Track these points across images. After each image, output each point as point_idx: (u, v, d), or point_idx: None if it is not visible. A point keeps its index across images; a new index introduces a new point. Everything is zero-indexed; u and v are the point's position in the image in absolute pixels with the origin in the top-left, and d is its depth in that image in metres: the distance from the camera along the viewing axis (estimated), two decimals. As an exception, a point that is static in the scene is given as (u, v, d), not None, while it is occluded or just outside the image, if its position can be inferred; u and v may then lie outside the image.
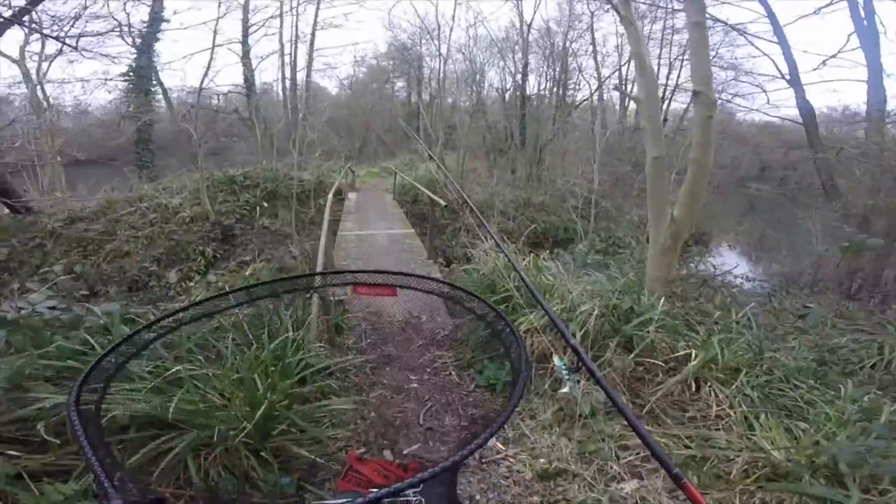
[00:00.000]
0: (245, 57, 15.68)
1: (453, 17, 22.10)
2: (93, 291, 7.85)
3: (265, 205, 9.15)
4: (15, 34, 11.32)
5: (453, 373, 2.92)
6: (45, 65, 12.15)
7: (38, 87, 11.50)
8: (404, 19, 30.82)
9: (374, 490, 0.47)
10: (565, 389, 1.47)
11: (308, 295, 2.76)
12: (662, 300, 3.36)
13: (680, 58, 17.17)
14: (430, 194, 6.77)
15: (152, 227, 8.45)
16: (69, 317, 1.94)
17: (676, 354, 2.81)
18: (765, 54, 11.58)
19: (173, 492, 1.34)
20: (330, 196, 6.61)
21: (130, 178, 11.80)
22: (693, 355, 2.77)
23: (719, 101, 13.64)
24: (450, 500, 0.83)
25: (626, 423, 1.04)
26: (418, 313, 3.64)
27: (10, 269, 7.59)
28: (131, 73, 13.02)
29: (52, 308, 1.95)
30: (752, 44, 12.08)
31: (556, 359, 1.40)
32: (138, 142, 12.98)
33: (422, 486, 0.63)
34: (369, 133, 22.72)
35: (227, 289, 1.58)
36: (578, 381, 1.58)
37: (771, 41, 11.02)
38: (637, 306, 3.13)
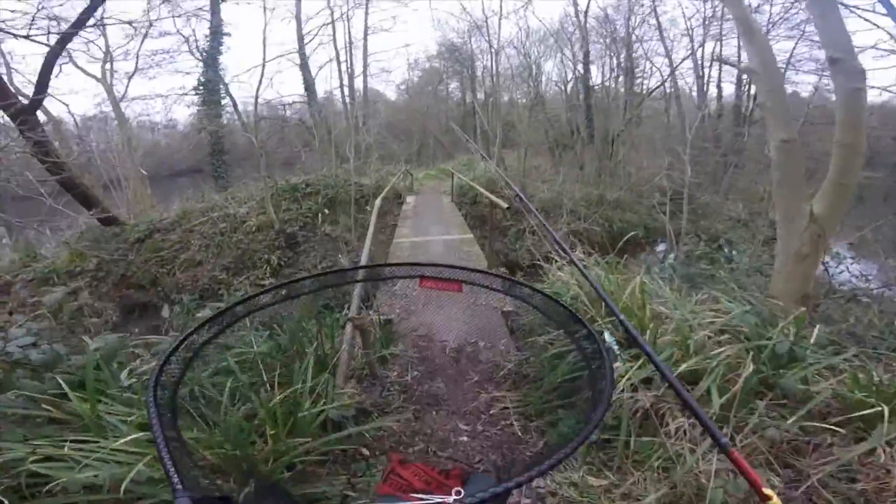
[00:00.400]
0: (303, 65, 16.02)
1: (500, 8, 21.41)
2: (169, 299, 8.16)
3: (326, 212, 9.06)
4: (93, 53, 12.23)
5: (515, 423, 2.29)
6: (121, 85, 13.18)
7: (119, 103, 12.36)
8: (451, 16, 30.22)
9: (416, 497, 0.45)
10: (618, 364, 1.33)
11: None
12: (816, 329, 2.48)
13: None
14: (490, 195, 6.18)
15: (222, 236, 8.63)
16: (40, 358, 1.67)
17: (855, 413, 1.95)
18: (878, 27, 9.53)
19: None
20: (377, 202, 6.25)
21: (203, 188, 12.41)
22: (886, 414, 1.90)
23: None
24: None
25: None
26: (476, 338, 3.04)
27: (98, 277, 8.07)
28: (201, 87, 13.73)
29: (33, 345, 1.71)
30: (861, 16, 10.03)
31: (606, 335, 1.29)
32: (213, 153, 13.66)
33: (462, 492, 0.67)
34: (427, 135, 22.58)
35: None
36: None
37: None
38: (797, 347, 2.29)
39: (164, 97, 13.44)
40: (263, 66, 10.50)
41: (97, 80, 13.18)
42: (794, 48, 12.74)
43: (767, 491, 0.66)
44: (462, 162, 19.89)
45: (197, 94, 13.97)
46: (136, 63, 13.74)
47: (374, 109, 25.17)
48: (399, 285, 1.45)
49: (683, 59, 17.13)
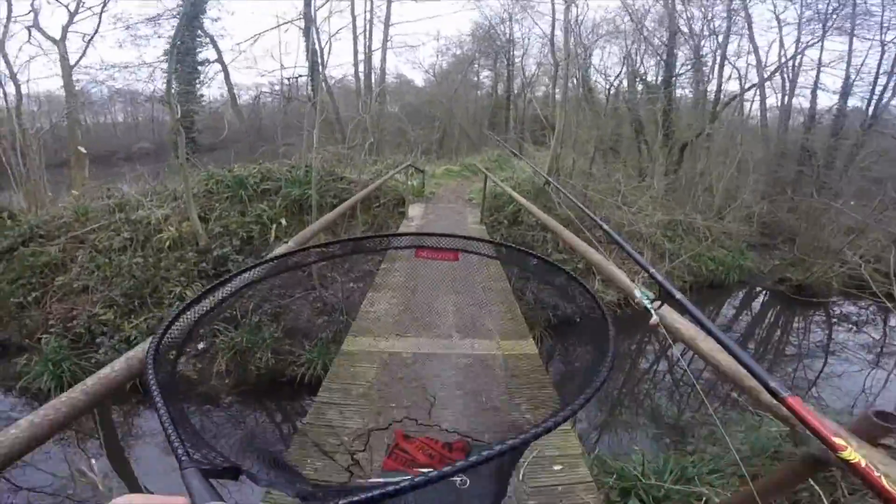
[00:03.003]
0: (307, 30, 12.98)
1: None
2: (20, 347, 5.31)
3: (283, 222, 5.95)
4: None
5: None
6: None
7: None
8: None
9: (423, 471, 0.38)
10: (654, 320, 1.16)
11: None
12: None
13: None
14: (574, 240, 2.88)
15: (122, 252, 5.68)
16: None
17: None
18: None
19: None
20: (328, 216, 3.24)
21: (163, 174, 9.55)
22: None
23: None
24: (498, 484, 0.72)
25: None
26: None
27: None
28: (177, 50, 10.86)
29: None
30: None
31: (636, 291, 1.19)
32: (178, 131, 10.76)
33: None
34: (451, 124, 19.24)
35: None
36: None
37: None
38: None
39: (123, 68, 10.59)
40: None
41: (54, 41, 10.52)
42: None
43: (838, 440, 0.56)
44: (491, 157, 16.55)
45: (167, 60, 11.08)
46: (98, 25, 11.06)
47: (398, 92, 22.17)
48: None
49: (792, 57, 13.09)
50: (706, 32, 12.37)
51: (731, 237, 8.47)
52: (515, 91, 22.63)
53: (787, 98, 13.92)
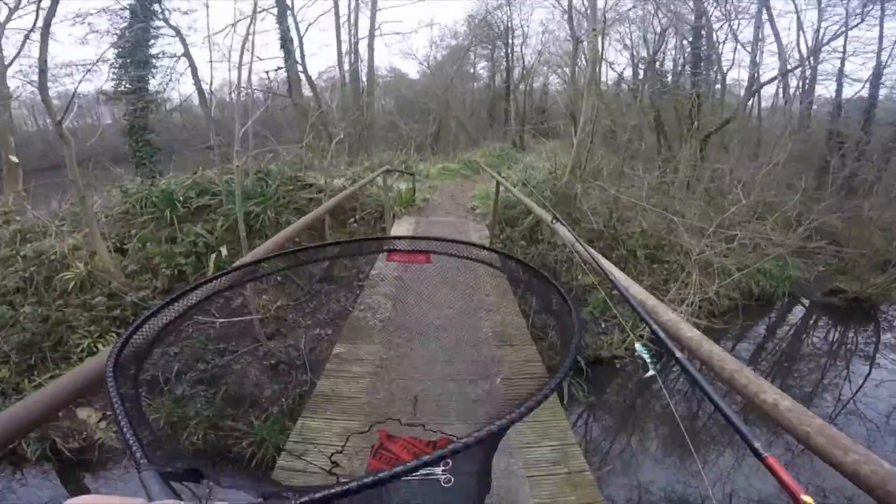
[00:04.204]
0: (281, 15, 11.53)
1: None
2: None
3: (224, 251, 4.58)
4: None
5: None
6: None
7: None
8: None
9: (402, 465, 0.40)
10: (651, 372, 1.15)
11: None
12: None
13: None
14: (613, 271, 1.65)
15: (15, 293, 4.36)
16: None
17: None
18: None
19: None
20: (276, 238, 2.31)
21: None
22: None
23: None
24: (480, 479, 0.74)
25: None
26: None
27: None
28: (127, 41, 9.44)
29: None
30: None
31: (637, 345, 1.20)
32: (131, 131, 9.39)
33: (451, 463, 0.63)
34: (448, 117, 17.78)
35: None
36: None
37: None
38: None
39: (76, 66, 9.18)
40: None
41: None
42: None
43: (806, 498, 0.60)
44: (493, 152, 15.13)
45: (118, 51, 9.65)
46: (36, 20, 9.61)
47: (391, 86, 20.72)
48: None
49: (832, 39, 11.53)
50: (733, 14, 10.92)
51: (779, 245, 7.05)
52: (515, 80, 21.39)
53: (806, 86, 12.54)
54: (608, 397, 4.82)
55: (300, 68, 11.77)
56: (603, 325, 5.10)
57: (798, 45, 12.72)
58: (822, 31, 11.68)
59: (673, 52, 11.51)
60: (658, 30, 11.04)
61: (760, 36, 11.54)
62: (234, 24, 7.53)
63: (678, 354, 1.02)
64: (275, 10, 12.17)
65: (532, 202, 3.91)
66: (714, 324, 6.27)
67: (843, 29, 10.85)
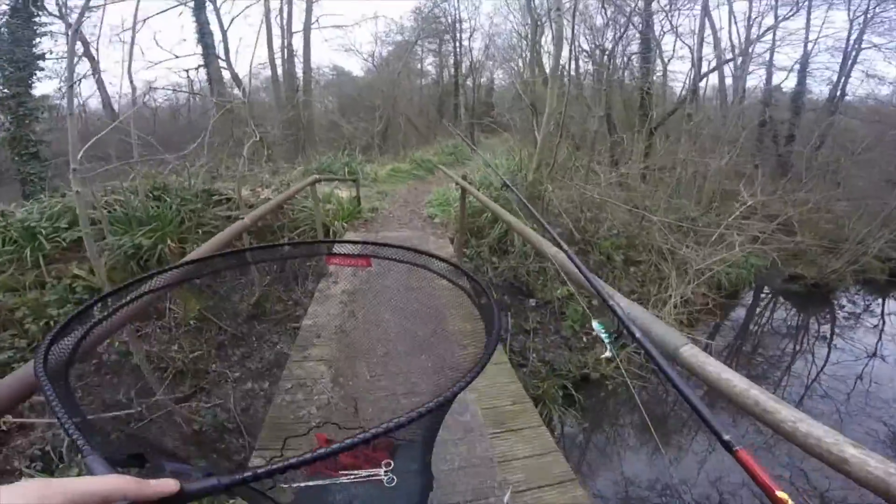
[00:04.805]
0: (198, 5, 10.15)
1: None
2: None
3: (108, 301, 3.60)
4: None
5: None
6: None
7: None
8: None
9: (345, 473, 0.43)
10: (607, 354, 1.14)
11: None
12: None
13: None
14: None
15: None
16: None
17: None
18: None
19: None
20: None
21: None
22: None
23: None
24: (422, 478, 0.75)
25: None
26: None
27: None
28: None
29: None
30: None
31: (595, 323, 1.15)
32: (11, 141, 7.78)
33: (392, 464, 0.67)
34: (395, 114, 16.86)
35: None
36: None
37: None
38: None
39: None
40: None
41: None
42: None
43: (781, 494, 0.57)
44: (445, 149, 14.48)
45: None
46: None
47: (335, 85, 19.44)
48: None
49: (768, 30, 11.77)
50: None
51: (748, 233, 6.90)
52: (463, 74, 20.88)
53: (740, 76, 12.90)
54: (599, 416, 4.29)
55: (223, 65, 10.44)
56: (584, 340, 4.54)
57: (730, 36, 13.10)
58: (752, 22, 12.01)
59: (622, 42, 11.32)
60: (606, 19, 10.82)
61: (701, 26, 11.64)
62: (144, 20, 6.34)
63: (638, 335, 0.95)
64: (191, 4, 10.75)
65: (499, 207, 3.24)
66: (694, 326, 5.99)
67: (774, 21, 11.10)
